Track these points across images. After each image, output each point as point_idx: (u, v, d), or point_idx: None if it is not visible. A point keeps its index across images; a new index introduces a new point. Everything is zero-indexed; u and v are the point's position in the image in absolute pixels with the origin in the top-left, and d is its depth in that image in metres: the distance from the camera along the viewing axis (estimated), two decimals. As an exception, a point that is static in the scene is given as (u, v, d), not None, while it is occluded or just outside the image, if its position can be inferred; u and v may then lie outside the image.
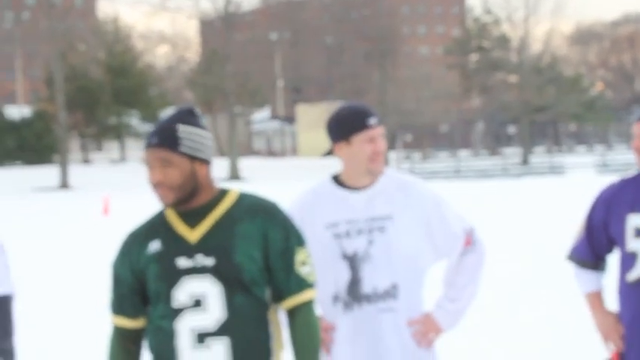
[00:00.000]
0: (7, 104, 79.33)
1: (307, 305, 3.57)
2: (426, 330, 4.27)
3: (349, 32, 78.24)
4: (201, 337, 3.50)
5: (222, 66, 61.91)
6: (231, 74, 60.93)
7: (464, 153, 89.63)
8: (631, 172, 4.52)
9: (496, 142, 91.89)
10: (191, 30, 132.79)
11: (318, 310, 4.05)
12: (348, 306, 4.21)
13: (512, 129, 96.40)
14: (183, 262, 3.52)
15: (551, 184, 43.44)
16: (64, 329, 11.04)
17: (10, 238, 15.85)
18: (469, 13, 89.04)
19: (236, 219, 3.56)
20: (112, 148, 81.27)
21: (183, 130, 3.54)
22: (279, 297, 3.58)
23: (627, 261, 4.39)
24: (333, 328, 4.25)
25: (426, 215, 4.25)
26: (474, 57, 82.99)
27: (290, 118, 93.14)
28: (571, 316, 10.40)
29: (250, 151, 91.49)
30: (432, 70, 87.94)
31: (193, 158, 3.55)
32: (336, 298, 4.23)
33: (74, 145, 75.02)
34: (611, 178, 5.05)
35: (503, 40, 77.34)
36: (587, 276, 4.59)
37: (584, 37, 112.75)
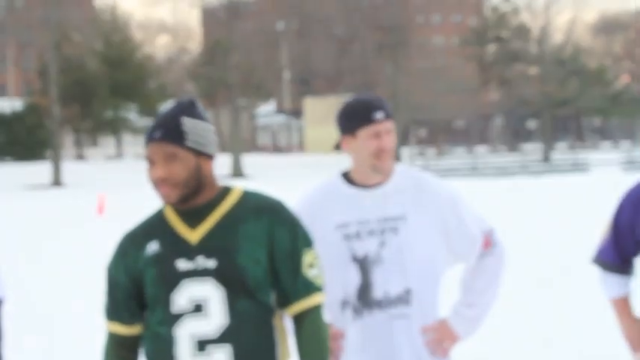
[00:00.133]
0: (-2, 97, 79.66)
1: (315, 310, 3.54)
2: (441, 338, 4.23)
3: (359, 22, 78.20)
4: (202, 345, 3.47)
5: (226, 57, 62.03)
6: (235, 66, 61.06)
7: (481, 149, 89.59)
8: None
9: (515, 137, 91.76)
10: (193, 19, 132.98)
11: (327, 316, 4.02)
12: (357, 312, 4.16)
13: (532, 124, 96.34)
14: (183, 265, 3.49)
15: (574, 182, 43.40)
16: (52, 333, 11.04)
17: None
18: (487, 2, 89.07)
19: (239, 218, 3.53)
20: (107, 143, 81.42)
21: (188, 123, 3.51)
22: (285, 301, 3.55)
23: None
24: (342, 335, 4.20)
25: (442, 215, 4.21)
26: (491, 48, 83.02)
27: (297, 112, 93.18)
28: (595, 325, 10.37)
29: (254, 147, 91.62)
30: (447, 62, 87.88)
31: (199, 153, 3.52)
32: (345, 304, 4.18)
33: (68, 140, 75.23)
34: (638, 176, 5.02)
35: (523, 30, 77.36)
36: (614, 280, 4.56)
37: (608, 26, 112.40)
